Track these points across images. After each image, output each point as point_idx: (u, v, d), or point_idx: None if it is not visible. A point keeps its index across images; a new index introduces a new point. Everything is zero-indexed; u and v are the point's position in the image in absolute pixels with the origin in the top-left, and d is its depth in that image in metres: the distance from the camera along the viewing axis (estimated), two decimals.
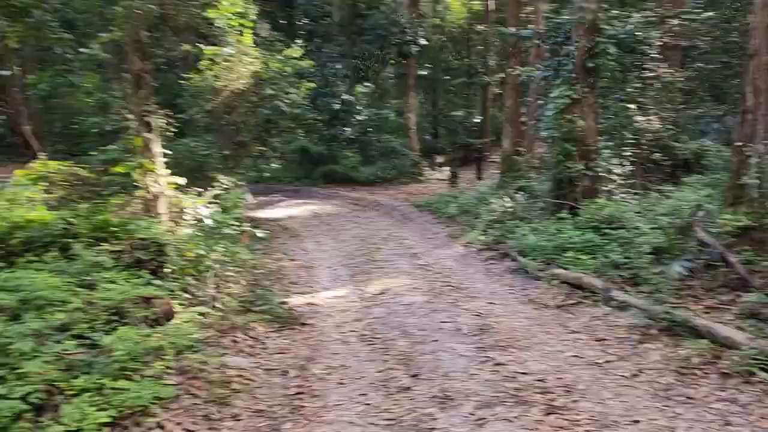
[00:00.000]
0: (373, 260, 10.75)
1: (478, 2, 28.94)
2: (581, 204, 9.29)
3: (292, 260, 11.09)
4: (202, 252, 7.37)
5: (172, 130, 12.96)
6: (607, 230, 8.16)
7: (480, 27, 27.37)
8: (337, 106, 23.86)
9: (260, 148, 14.44)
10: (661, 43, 11.13)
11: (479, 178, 23.32)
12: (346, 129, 24.02)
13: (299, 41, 23.67)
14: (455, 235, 12.22)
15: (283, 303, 7.84)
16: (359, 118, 24.52)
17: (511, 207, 11.48)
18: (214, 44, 14.39)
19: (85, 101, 17.09)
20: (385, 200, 18.65)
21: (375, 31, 23.46)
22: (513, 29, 13.17)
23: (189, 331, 5.57)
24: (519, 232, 9.69)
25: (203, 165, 12.97)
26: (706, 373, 4.73)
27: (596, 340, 5.87)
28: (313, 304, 8.15)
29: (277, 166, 26.18)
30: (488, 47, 28.24)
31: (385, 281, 9.13)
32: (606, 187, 10.00)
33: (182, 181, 8.36)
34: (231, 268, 8.10)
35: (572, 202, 9.51)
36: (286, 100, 14.36)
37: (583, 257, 7.70)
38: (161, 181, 8.36)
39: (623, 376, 5.00)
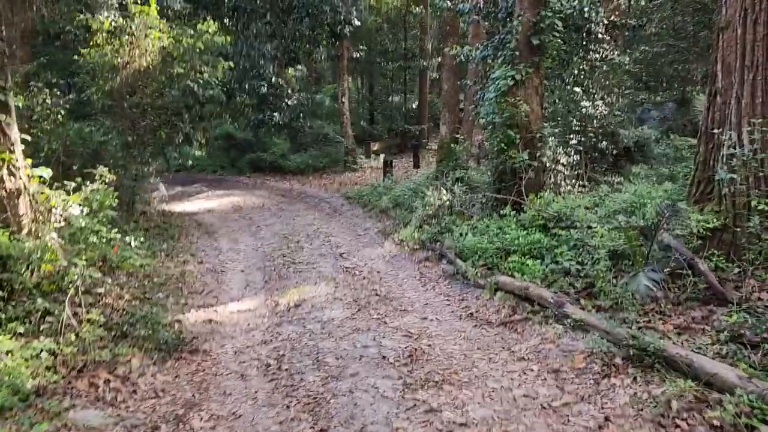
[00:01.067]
0: (294, 262, 9.44)
1: None
2: (525, 199, 8.24)
3: (200, 263, 9.63)
4: (66, 263, 5.88)
5: (60, 112, 11.32)
6: (555, 230, 7.12)
7: (417, 9, 26.19)
8: (264, 90, 22.22)
9: (169, 133, 12.74)
10: (607, 22, 10.23)
11: (416, 167, 22.27)
12: (275, 114, 22.41)
13: (219, 18, 21.88)
14: (387, 232, 11.03)
15: (174, 323, 6.46)
16: (289, 102, 22.95)
17: (448, 201, 10.38)
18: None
19: None
20: (314, 191, 17.29)
21: (305, 9, 21.88)
22: (449, 3, 12.01)
23: (19, 378, 4.14)
24: (456, 231, 8.57)
25: (99, 153, 11.23)
26: (691, 426, 3.69)
27: (550, 372, 4.78)
28: (213, 321, 6.79)
29: (196, 153, 24.57)
30: (425, 30, 27.13)
31: (303, 289, 7.85)
32: (552, 179, 9.01)
33: (46, 173, 6.76)
34: (108, 281, 6.64)
35: (516, 196, 8.46)
36: (200, 81, 12.75)
37: (530, 262, 6.63)
38: (21, 174, 6.76)
39: (587, 427, 3.91)
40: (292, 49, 24.22)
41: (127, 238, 9.55)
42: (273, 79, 22.64)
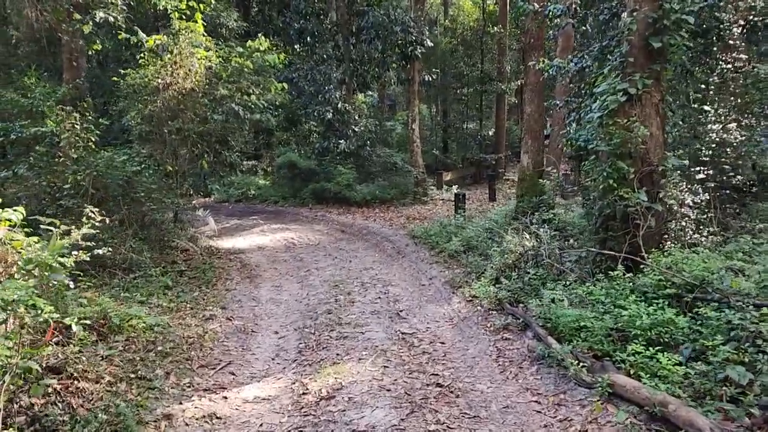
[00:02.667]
0: (340, 322, 7.65)
1: (492, 1, 25.99)
2: (644, 255, 6.10)
3: (229, 319, 8.00)
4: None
5: (91, 138, 10.15)
6: (697, 304, 4.98)
7: (495, 28, 24.33)
8: (330, 116, 20.88)
9: (213, 162, 11.39)
10: (744, 23, 8.01)
11: (492, 200, 20.22)
12: (341, 141, 21.00)
13: (285, 42, 20.78)
14: (456, 284, 9.07)
15: (161, 421, 4.77)
16: (356, 129, 21.49)
17: (532, 249, 8.33)
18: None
19: None
20: (377, 227, 15.54)
21: (375, 30, 20.50)
22: (536, 4, 10.05)
23: None
24: (546, 293, 6.51)
25: (131, 184, 9.94)
26: None
27: None
28: (215, 418, 5.06)
29: (260, 182, 23.47)
30: (504, 51, 25.19)
31: (343, 368, 6.02)
32: (675, 225, 6.83)
33: (15, 216, 5.29)
34: (92, 353, 5.06)
35: (629, 251, 6.31)
36: (248, 104, 11.36)
37: (663, 357, 4.51)
38: None
39: None
40: (361, 73, 22.90)
41: (136, 293, 8.08)
42: (339, 105, 21.30)
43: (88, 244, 6.05)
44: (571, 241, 8.10)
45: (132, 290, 8.52)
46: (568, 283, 6.54)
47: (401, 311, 8.12)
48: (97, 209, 7.22)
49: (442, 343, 6.73)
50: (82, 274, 7.18)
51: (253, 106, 11.05)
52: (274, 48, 12.00)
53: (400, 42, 20.69)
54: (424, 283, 9.59)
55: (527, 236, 8.82)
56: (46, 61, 13.96)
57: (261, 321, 8.00)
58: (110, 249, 7.33)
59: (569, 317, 5.52)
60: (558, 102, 10.47)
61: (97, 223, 6.48)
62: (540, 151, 11.83)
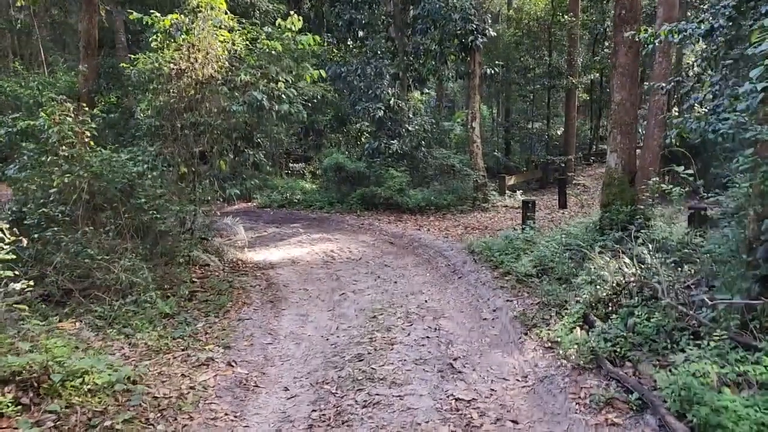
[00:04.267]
0: (371, 377, 5.66)
1: None
2: None
3: (231, 364, 6.15)
4: None
5: (86, 134, 8.54)
6: None
7: (565, 17, 21.88)
8: (381, 114, 18.98)
9: (234, 162, 9.63)
10: None
11: (562, 207, 17.81)
12: (393, 142, 19.06)
13: (335, 36, 19.04)
14: (530, 320, 6.94)
15: None
16: (410, 128, 19.52)
17: (635, 280, 6.12)
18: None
19: None
20: (431, 238, 13.48)
21: (431, 18, 18.47)
22: None
23: None
24: (679, 360, 4.32)
25: (133, 188, 8.27)
26: None
27: None
28: None
29: (306, 186, 21.79)
30: (575, 42, 22.68)
31: None
32: None
33: None
34: None
35: None
36: (278, 92, 9.54)
37: None
38: None
39: None
40: (416, 68, 20.92)
41: (119, 325, 6.34)
42: (392, 102, 19.37)
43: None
44: (696, 274, 5.84)
45: (117, 322, 6.81)
46: (711, 344, 4.33)
47: (456, 360, 6.06)
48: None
49: (515, 421, 4.64)
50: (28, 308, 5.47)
51: (283, 95, 9.17)
52: (307, 31, 10.09)
53: (459, 32, 18.58)
54: (486, 317, 7.49)
55: (626, 260, 6.59)
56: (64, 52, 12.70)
57: (270, 368, 6.11)
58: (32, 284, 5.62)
59: (737, 415, 3.35)
60: (663, 85, 8.12)
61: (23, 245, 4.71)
62: (632, 149, 9.50)
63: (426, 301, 8.38)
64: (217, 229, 12.46)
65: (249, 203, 21.16)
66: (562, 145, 23.48)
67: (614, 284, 6.40)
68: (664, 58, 8.67)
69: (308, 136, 26.17)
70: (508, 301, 7.91)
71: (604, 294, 6.34)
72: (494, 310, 7.68)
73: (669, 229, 8.68)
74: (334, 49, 23.24)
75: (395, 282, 9.58)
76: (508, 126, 25.09)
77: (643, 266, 6.34)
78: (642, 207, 9.27)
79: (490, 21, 18.91)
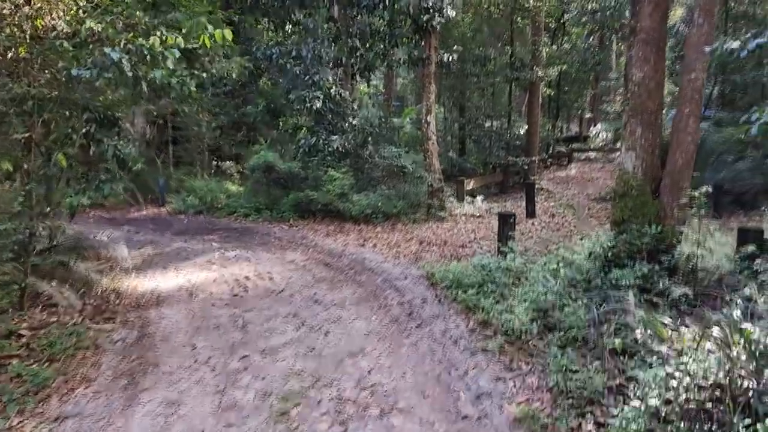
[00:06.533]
0: None
1: None
2: None
3: None
4: None
5: None
6: None
7: (530, 2, 19.41)
8: (319, 105, 16.01)
9: (77, 156, 6.47)
10: None
11: (530, 216, 15.25)
12: (334, 138, 16.13)
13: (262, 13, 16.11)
14: (545, 429, 4.13)
15: None
16: (354, 122, 16.62)
17: (740, 385, 3.38)
18: None
19: None
20: (378, 259, 10.60)
21: None
22: None
23: None
24: None
25: None
26: None
27: None
28: None
29: (231, 188, 18.56)
30: (539, 31, 20.25)
31: None
32: None
33: None
34: None
35: None
36: (146, 51, 6.37)
37: None
38: None
39: None
40: (362, 54, 18.01)
41: None
42: (333, 90, 16.42)
43: None
44: None
45: None
46: None
47: None
48: None
49: None
50: None
51: (159, 57, 6.05)
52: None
53: (412, 10, 15.78)
54: (466, 411, 4.63)
55: (716, 336, 3.86)
56: None
57: None
58: None
59: None
60: (707, 49, 5.48)
61: None
62: (656, 147, 6.89)
63: (370, 372, 5.47)
64: (90, 248, 9.24)
65: (162, 208, 17.80)
66: (524, 146, 21.02)
67: (706, 388, 3.64)
68: (706, 17, 6.03)
69: (239, 130, 22.89)
70: (498, 379, 5.08)
71: (688, 400, 3.57)
72: (478, 397, 4.83)
73: (718, 258, 6.08)
74: (270, 33, 20.16)
75: (326, 333, 6.64)
76: (463, 123, 22.50)
77: (749, 359, 3.61)
78: (672, 227, 6.64)
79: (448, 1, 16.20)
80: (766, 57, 13.77)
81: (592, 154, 28.21)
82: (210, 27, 7.04)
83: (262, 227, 14.62)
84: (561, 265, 6.84)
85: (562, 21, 25.56)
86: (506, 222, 8.41)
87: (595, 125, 31.34)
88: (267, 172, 16.48)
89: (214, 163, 20.90)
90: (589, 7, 22.68)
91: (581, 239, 8.58)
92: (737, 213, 13.29)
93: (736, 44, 4.85)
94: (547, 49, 21.51)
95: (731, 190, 13.80)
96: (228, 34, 6.92)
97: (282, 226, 14.66)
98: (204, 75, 7.55)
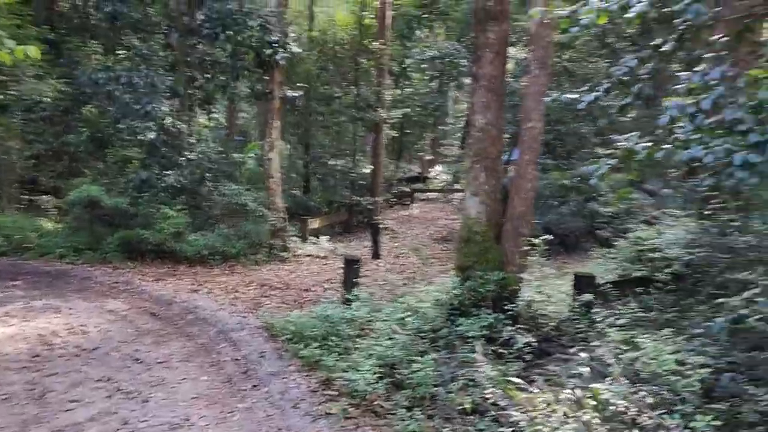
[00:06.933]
0: None
1: (372, 15, 21.51)
2: None
3: None
4: None
5: None
6: None
7: (375, 44, 19.78)
8: (153, 136, 14.81)
9: None
10: None
11: (376, 257, 15.16)
12: (169, 173, 14.96)
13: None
14: None
15: None
16: (191, 156, 15.57)
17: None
18: None
19: None
20: (213, 306, 9.71)
21: (220, 22, 14.87)
22: None
23: None
24: None
25: None
26: None
27: None
28: None
29: (47, 226, 16.47)
30: (383, 73, 20.69)
31: None
32: None
33: None
34: None
35: None
36: None
37: None
38: None
39: None
40: (201, 84, 17.05)
41: None
42: (168, 123, 15.30)
43: None
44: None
45: None
46: None
47: None
48: None
49: None
50: None
51: None
52: None
53: (255, 43, 15.26)
54: None
55: (568, 398, 3.68)
56: None
57: None
58: None
59: None
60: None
61: None
62: (499, 192, 6.95)
63: None
64: None
65: None
66: (368, 185, 21.12)
67: None
68: (541, 68, 6.21)
69: (59, 160, 20.53)
70: None
71: None
72: None
73: (557, 304, 6.15)
74: (99, 56, 18.49)
75: (146, 400, 5.72)
76: (308, 161, 22.17)
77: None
78: (514, 273, 6.67)
79: (294, 34, 15.93)
80: (595, 110, 15.04)
81: (433, 195, 29.21)
82: (11, 42, 6.01)
83: (81, 270, 12.96)
84: (407, 314, 6.56)
85: (404, 66, 26.45)
86: (351, 267, 8.03)
87: (435, 167, 32.63)
88: (90, 208, 14.75)
89: (26, 196, 18.48)
90: (430, 54, 23.67)
91: (427, 285, 8.44)
92: (561, 255, 14.14)
93: (573, 96, 4.91)
94: (391, 92, 21.95)
95: (556, 233, 14.72)
96: (34, 51, 5.93)
97: (105, 269, 13.12)
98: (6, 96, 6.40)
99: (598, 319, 5.36)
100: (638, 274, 7.29)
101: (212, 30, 15.31)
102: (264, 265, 13.81)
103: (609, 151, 15.84)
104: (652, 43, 4.48)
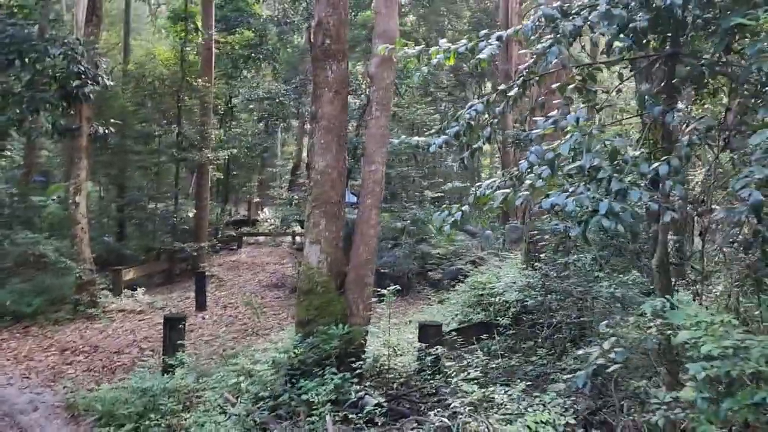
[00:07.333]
0: None
1: (195, 51, 20.43)
2: None
3: None
4: None
5: None
6: None
7: (199, 81, 18.67)
8: None
9: None
10: None
11: (201, 309, 13.91)
12: None
13: None
14: None
15: None
16: None
17: None
18: None
19: None
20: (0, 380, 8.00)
21: (14, 47, 12.97)
22: None
23: None
24: None
25: None
26: None
27: None
28: None
29: None
30: (208, 112, 19.64)
31: None
32: None
33: None
34: None
35: None
36: None
37: None
38: None
39: None
40: None
41: None
42: None
43: None
44: None
45: None
46: None
47: None
48: None
49: None
50: None
51: None
52: None
53: (59, 73, 13.55)
54: None
55: None
56: None
57: None
58: None
59: None
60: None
61: None
62: (340, 239, 6.49)
63: None
64: None
65: None
66: (192, 230, 19.67)
67: None
68: (383, 110, 5.98)
69: None
70: None
71: None
72: None
73: (404, 356, 5.79)
74: None
75: None
76: (123, 204, 20.16)
77: None
78: (360, 325, 6.22)
79: (105, 66, 14.44)
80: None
81: (261, 238, 28.20)
82: None
83: None
84: (241, 378, 5.77)
85: (230, 105, 25.52)
86: (174, 327, 7.00)
87: (263, 210, 31.71)
88: None
89: None
90: (259, 93, 23.08)
91: (263, 341, 7.67)
92: (397, 297, 14.08)
93: (422, 139, 4.64)
94: (216, 132, 20.89)
95: (391, 275, 14.67)
96: None
97: None
98: None
99: (449, 372, 5.06)
100: (478, 318, 7.23)
101: (5, 56, 13.32)
102: (68, 325, 11.98)
103: (438, 194, 16.24)
104: (499, 88, 4.37)
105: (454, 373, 4.83)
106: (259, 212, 32.27)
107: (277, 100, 23.22)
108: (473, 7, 27.79)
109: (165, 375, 6.38)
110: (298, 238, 22.02)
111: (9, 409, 6.82)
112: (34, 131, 15.09)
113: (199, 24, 19.88)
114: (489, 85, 26.45)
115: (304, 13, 19.89)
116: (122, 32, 21.33)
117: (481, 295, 7.31)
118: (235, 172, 28.89)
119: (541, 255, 7.36)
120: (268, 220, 30.17)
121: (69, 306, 12.93)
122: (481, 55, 3.89)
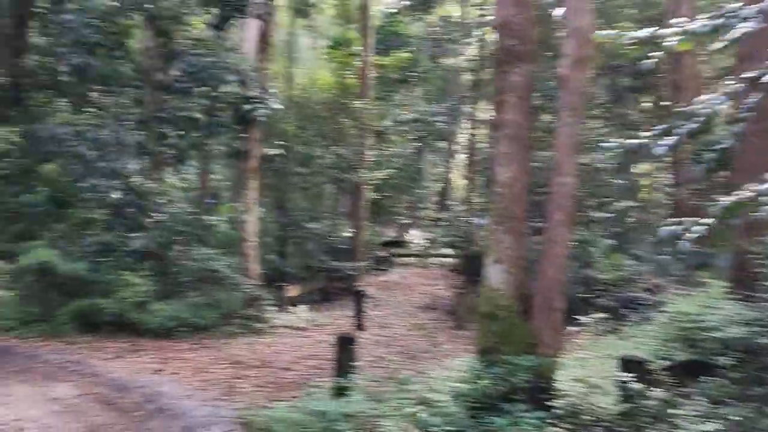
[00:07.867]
0: None
1: (353, 75, 20.99)
2: None
3: None
4: None
5: None
6: None
7: (357, 103, 19.10)
8: (117, 195, 13.60)
9: None
10: None
11: (360, 329, 13.85)
12: (135, 236, 13.69)
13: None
14: None
15: None
16: (159, 218, 14.34)
17: None
18: None
19: None
20: (178, 392, 8.29)
21: (197, 75, 14.00)
22: None
23: None
24: None
25: None
26: None
27: None
28: None
29: None
30: (365, 134, 19.97)
31: None
32: None
33: None
34: None
35: None
36: None
37: None
38: None
39: None
40: (174, 143, 15.97)
41: None
42: (135, 182, 14.14)
43: None
44: None
45: None
46: None
47: None
48: None
49: None
50: None
51: None
52: None
53: (233, 98, 14.40)
54: None
55: None
56: None
57: None
58: None
59: None
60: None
61: None
62: (526, 259, 5.91)
63: None
64: None
65: None
66: (349, 250, 19.98)
67: None
68: (574, 115, 5.32)
69: (14, 222, 19.03)
70: None
71: None
72: None
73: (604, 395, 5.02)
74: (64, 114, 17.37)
75: None
76: (285, 224, 21.02)
77: None
78: (547, 355, 5.55)
79: (275, 90, 15.12)
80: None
81: (410, 259, 28.21)
82: None
83: (27, 347, 11.39)
84: (420, 407, 5.34)
85: (383, 127, 25.99)
86: (345, 348, 6.78)
87: (410, 231, 31.81)
88: (42, 275, 13.29)
89: None
90: (410, 116, 23.19)
91: (435, 367, 7.23)
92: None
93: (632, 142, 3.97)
94: (372, 153, 21.19)
95: None
96: None
97: (57, 344, 11.60)
98: None
99: (674, 420, 4.24)
100: (684, 356, 6.24)
101: (187, 84, 14.42)
102: (237, 339, 12.43)
103: (606, 215, 14.82)
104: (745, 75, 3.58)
105: (689, 423, 4.01)
106: (406, 233, 32.41)
107: (428, 122, 23.17)
108: None
109: (338, 397, 6.13)
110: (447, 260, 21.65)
111: (189, 422, 6.96)
112: (209, 153, 16.20)
113: (358, 48, 20.39)
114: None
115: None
116: (286, 60, 22.51)
117: (689, 328, 6.31)
118: (387, 193, 29.24)
119: (755, 283, 6.23)
120: (416, 241, 30.15)
121: (238, 321, 13.45)
122: (736, 34, 3.16)
